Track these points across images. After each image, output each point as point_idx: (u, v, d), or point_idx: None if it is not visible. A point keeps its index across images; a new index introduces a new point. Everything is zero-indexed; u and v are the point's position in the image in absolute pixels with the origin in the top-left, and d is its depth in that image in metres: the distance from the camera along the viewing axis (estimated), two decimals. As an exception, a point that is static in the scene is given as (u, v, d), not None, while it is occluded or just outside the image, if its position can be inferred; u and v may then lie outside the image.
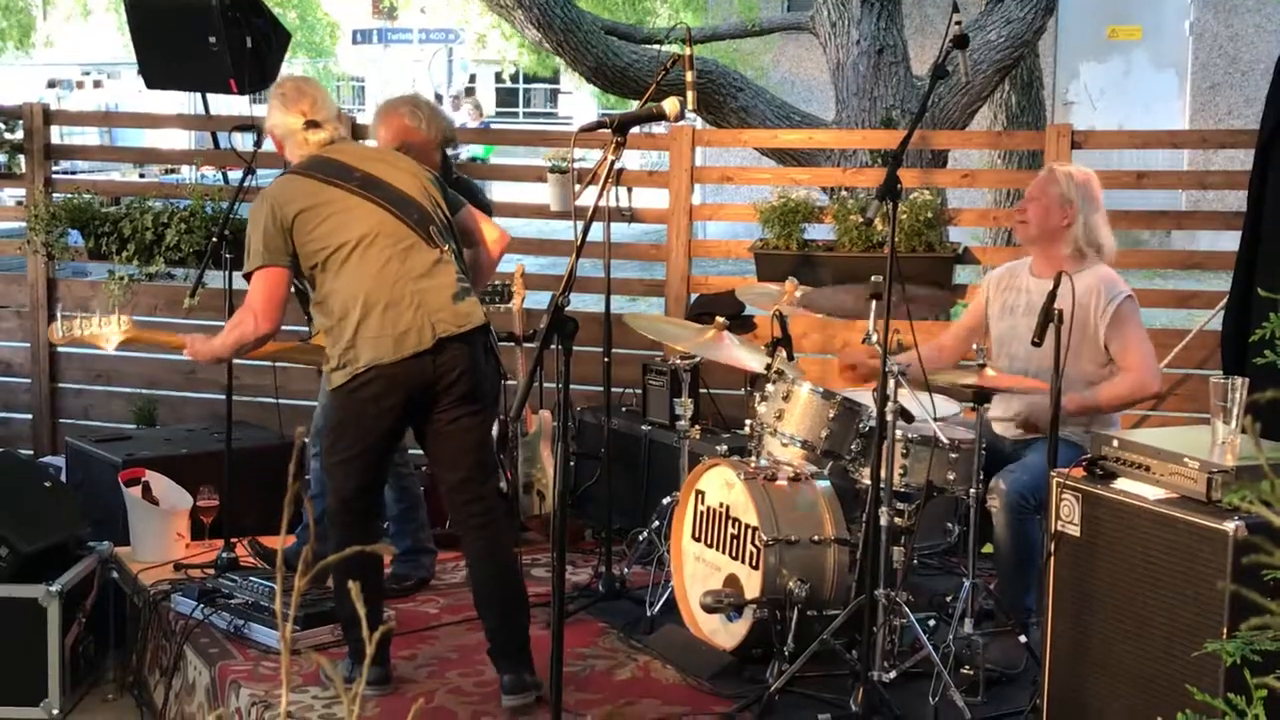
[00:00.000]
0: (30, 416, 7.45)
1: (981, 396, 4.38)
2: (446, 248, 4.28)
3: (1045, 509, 3.87)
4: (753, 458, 4.73)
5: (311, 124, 4.37)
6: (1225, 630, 3.28)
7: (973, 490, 4.38)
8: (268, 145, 5.90)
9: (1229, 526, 3.33)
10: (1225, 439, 3.58)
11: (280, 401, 6.34)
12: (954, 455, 4.43)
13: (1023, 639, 4.35)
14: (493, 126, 20.87)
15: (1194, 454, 3.50)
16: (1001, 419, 4.79)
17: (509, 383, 5.04)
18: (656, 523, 5.23)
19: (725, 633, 4.59)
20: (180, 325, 7.05)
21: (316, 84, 4.57)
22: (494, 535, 4.35)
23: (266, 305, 4.23)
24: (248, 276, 4.27)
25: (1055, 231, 4.77)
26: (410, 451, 5.29)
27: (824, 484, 4.69)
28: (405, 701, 4.33)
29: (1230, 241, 5.47)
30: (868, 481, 4.37)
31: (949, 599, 4.55)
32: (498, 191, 11.37)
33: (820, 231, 6.53)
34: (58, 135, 7.68)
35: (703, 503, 4.78)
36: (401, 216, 4.23)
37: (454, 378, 4.18)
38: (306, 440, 5.46)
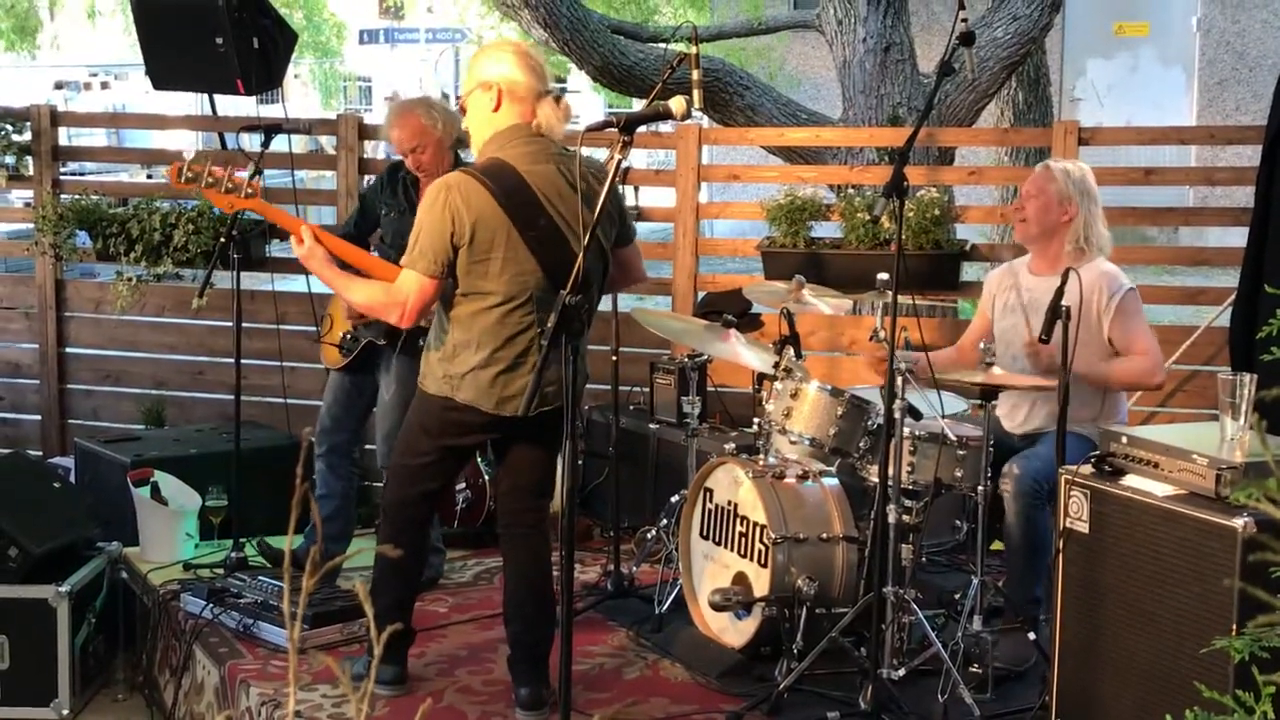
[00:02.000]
0: (39, 417, 7.47)
1: (988, 394, 4.38)
2: (588, 309, 4.06)
3: (1055, 501, 3.87)
4: (761, 456, 4.73)
5: (546, 94, 4.10)
6: (1234, 626, 3.28)
7: (981, 487, 4.38)
8: (275, 146, 5.93)
9: (1238, 523, 3.33)
10: (1234, 435, 3.58)
11: (289, 402, 6.35)
12: (962, 452, 4.42)
13: (1031, 636, 4.35)
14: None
15: (1202, 450, 3.50)
16: (1008, 419, 4.79)
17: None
18: (665, 521, 5.23)
19: (734, 631, 4.60)
20: (189, 326, 7.09)
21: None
22: (537, 546, 4.33)
23: (415, 309, 4.10)
24: (405, 268, 4.09)
25: (1055, 228, 4.76)
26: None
27: (832, 482, 4.69)
28: (415, 701, 4.34)
29: (1238, 237, 5.46)
30: (876, 479, 4.37)
31: (957, 596, 4.55)
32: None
33: (827, 229, 6.52)
34: (65, 137, 7.69)
35: (711, 501, 4.78)
36: (559, 282, 3.82)
37: (547, 433, 4.19)
38: (313, 440, 5.47)
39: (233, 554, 5.49)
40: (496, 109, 4.11)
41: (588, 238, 3.61)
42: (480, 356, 4.05)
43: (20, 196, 8.15)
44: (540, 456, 4.31)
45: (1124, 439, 3.72)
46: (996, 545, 4.73)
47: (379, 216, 5.39)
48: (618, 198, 4.30)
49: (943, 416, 4.37)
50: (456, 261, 4.04)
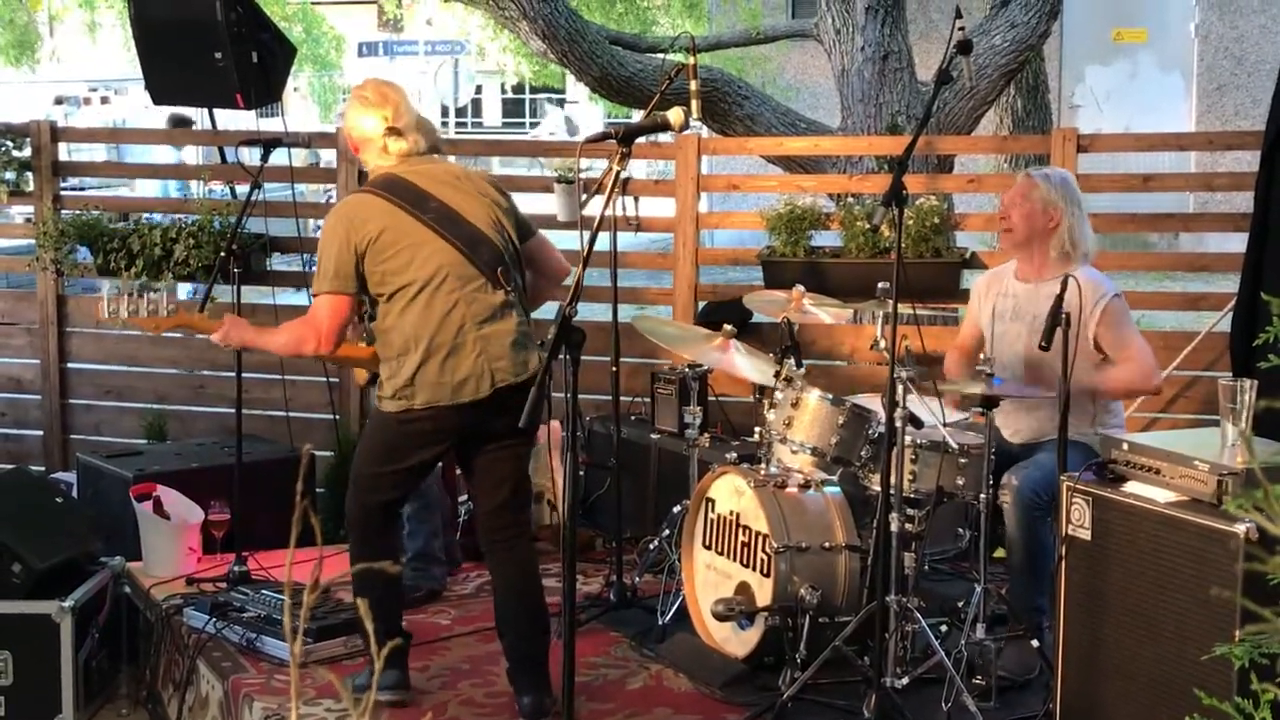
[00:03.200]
0: (41, 433, 7.47)
1: (990, 402, 4.38)
2: (512, 288, 4.25)
3: (1058, 507, 3.87)
4: (762, 465, 4.73)
5: (393, 131, 4.26)
6: (1236, 632, 3.28)
7: (983, 495, 4.37)
8: (275, 159, 5.95)
9: (1239, 529, 3.33)
10: (1235, 441, 3.58)
11: (290, 415, 6.36)
12: (963, 460, 4.42)
13: (1035, 644, 4.35)
14: (499, 138, 20.86)
15: (1204, 457, 3.50)
16: (1004, 428, 4.78)
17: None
18: (667, 531, 5.24)
19: (737, 641, 4.59)
20: (190, 340, 7.09)
21: (398, 88, 4.38)
22: (521, 557, 4.38)
23: (331, 330, 4.21)
24: (314, 295, 4.24)
25: (1040, 235, 4.76)
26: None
27: (834, 490, 4.69)
28: (417, 714, 4.34)
29: (1238, 243, 5.46)
30: (878, 488, 4.37)
31: (960, 604, 4.55)
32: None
33: (827, 238, 6.53)
34: (65, 152, 7.69)
35: (713, 511, 4.78)
36: (472, 257, 4.18)
37: (505, 420, 4.11)
38: (314, 454, 5.46)
39: (235, 568, 5.49)
40: (355, 152, 4.41)
41: (587, 249, 3.60)
42: (420, 353, 4.12)
43: (21, 212, 8.16)
44: (509, 470, 4.33)
45: (1125, 445, 3.72)
46: (999, 553, 4.73)
47: None
48: (508, 196, 4.43)
49: (944, 424, 4.37)
50: (365, 272, 4.16)
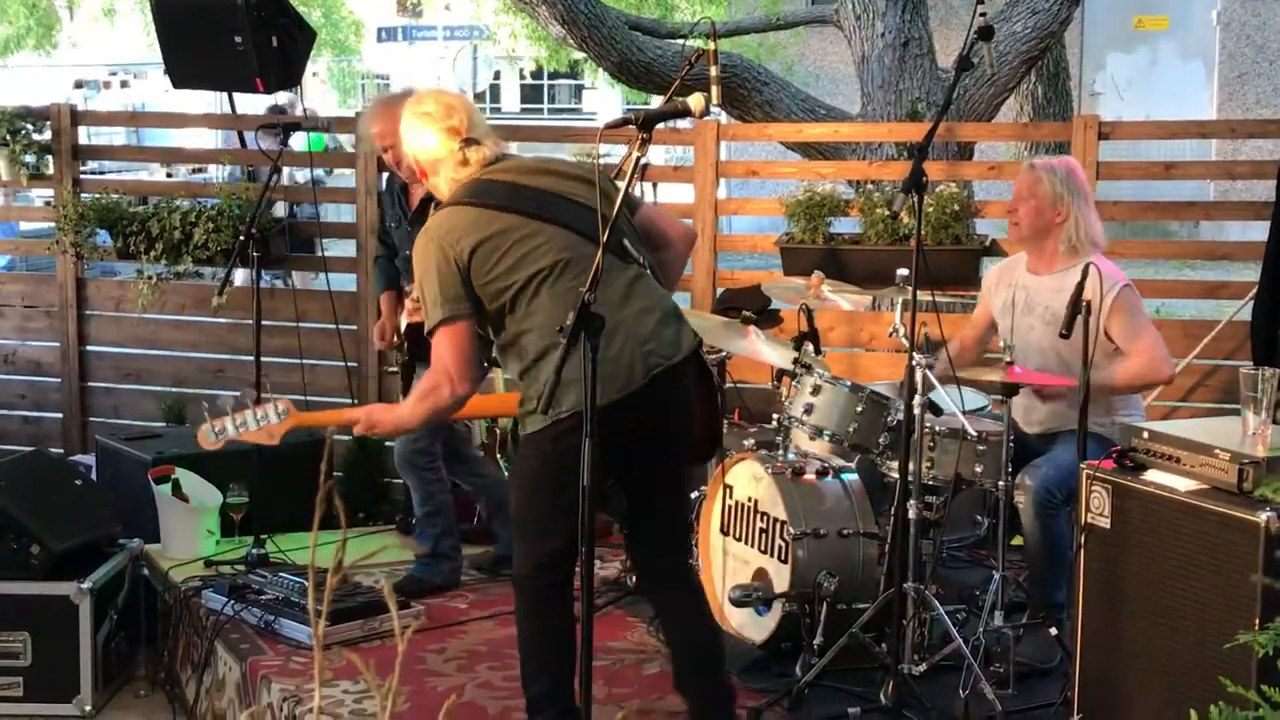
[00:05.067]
0: (60, 415, 7.49)
1: (1009, 389, 4.37)
2: (643, 260, 3.79)
3: (1074, 503, 3.86)
4: (780, 452, 4.73)
5: (470, 142, 3.82)
6: (1258, 621, 3.27)
7: (1001, 483, 4.37)
8: (294, 143, 5.95)
9: (1261, 517, 3.32)
10: (1256, 430, 3.57)
11: (309, 399, 6.37)
12: (982, 448, 4.42)
13: (1053, 631, 4.34)
14: (518, 123, 20.86)
15: (1225, 445, 3.49)
16: (1021, 418, 4.77)
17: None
18: (684, 517, 5.23)
19: (754, 626, 4.59)
20: (209, 324, 7.11)
21: (458, 94, 3.99)
22: (695, 591, 3.98)
23: (461, 365, 3.69)
24: (430, 334, 3.72)
25: (1048, 229, 4.74)
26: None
27: (852, 477, 4.68)
28: (434, 697, 4.35)
29: (1259, 231, 5.44)
30: (896, 475, 4.37)
31: (978, 592, 4.55)
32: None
33: (846, 225, 6.51)
34: (85, 136, 7.71)
35: (731, 497, 4.78)
36: (590, 235, 3.58)
37: (664, 420, 3.72)
38: (345, 439, 5.44)
39: (253, 550, 5.51)
40: (423, 178, 3.95)
41: (606, 236, 3.52)
42: (557, 350, 3.37)
43: (41, 195, 8.18)
44: (673, 492, 3.86)
45: (1145, 434, 3.71)
46: (1017, 540, 4.72)
47: (390, 229, 5.44)
48: (603, 173, 3.80)
49: (963, 412, 4.36)
50: (476, 289, 3.69)
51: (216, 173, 10.54)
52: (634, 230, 3.83)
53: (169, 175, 13.43)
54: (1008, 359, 4.40)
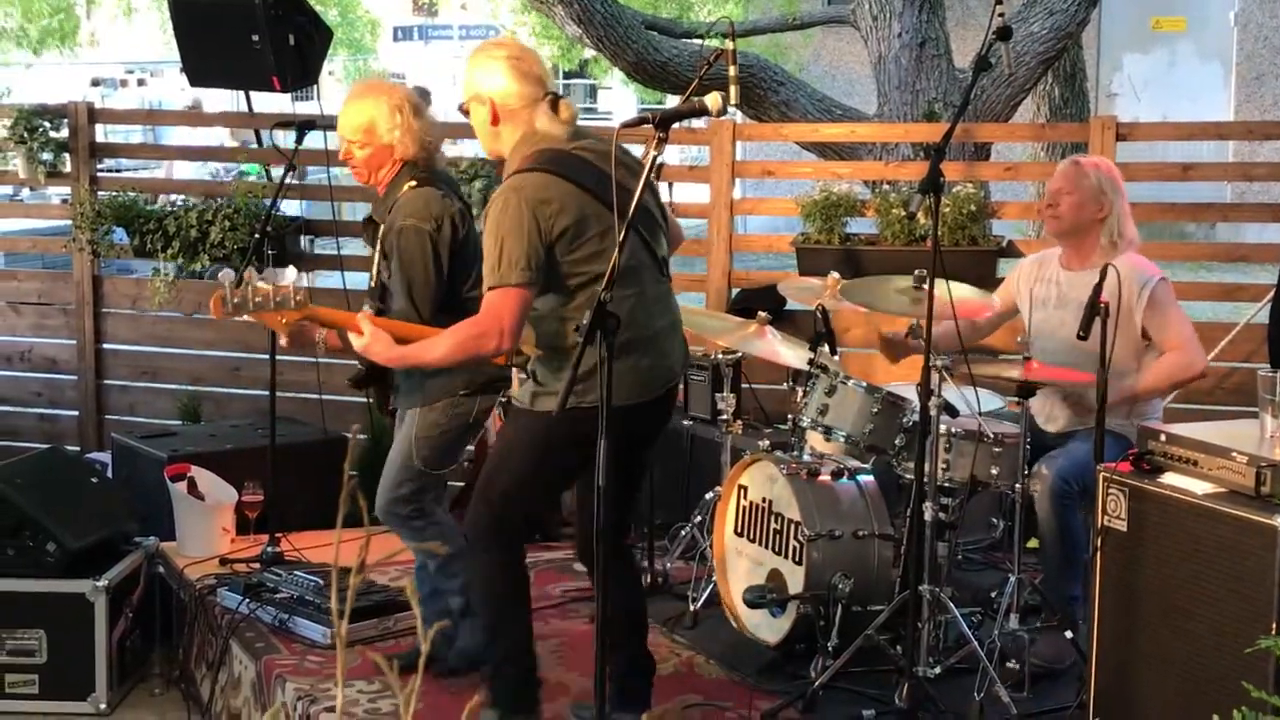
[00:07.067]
0: (77, 413, 7.52)
1: (1026, 391, 4.36)
2: (669, 276, 3.88)
3: (1089, 497, 3.84)
4: (795, 453, 4.72)
5: (555, 97, 3.75)
6: (1275, 625, 3.25)
7: (1017, 485, 4.35)
8: (309, 143, 5.95)
9: (1278, 521, 3.30)
10: (1273, 432, 3.55)
11: (324, 397, 6.38)
12: (998, 450, 4.40)
13: (1069, 634, 4.33)
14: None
15: (1242, 448, 3.47)
16: (1039, 416, 4.75)
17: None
18: (699, 518, 5.23)
19: (769, 628, 4.59)
20: (225, 322, 7.10)
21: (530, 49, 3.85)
22: (633, 562, 4.33)
23: (515, 328, 3.63)
24: (492, 289, 3.64)
25: (1089, 225, 4.72)
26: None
27: (867, 479, 4.67)
28: (449, 697, 4.33)
29: (1276, 233, 5.44)
30: (911, 476, 4.36)
31: (994, 594, 4.53)
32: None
33: (862, 225, 6.50)
34: (102, 134, 7.73)
35: (745, 498, 4.77)
36: (653, 248, 3.75)
37: (659, 425, 3.89)
38: (363, 437, 5.30)
39: (269, 549, 5.51)
40: (495, 124, 3.80)
41: (623, 235, 3.51)
42: (623, 337, 3.45)
43: (58, 193, 8.19)
44: (639, 480, 4.08)
45: (1162, 436, 3.69)
46: (1033, 543, 4.70)
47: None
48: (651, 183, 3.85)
49: (980, 414, 4.35)
50: (553, 261, 3.65)
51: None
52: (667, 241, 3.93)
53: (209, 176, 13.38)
54: (1025, 355, 4.39)
